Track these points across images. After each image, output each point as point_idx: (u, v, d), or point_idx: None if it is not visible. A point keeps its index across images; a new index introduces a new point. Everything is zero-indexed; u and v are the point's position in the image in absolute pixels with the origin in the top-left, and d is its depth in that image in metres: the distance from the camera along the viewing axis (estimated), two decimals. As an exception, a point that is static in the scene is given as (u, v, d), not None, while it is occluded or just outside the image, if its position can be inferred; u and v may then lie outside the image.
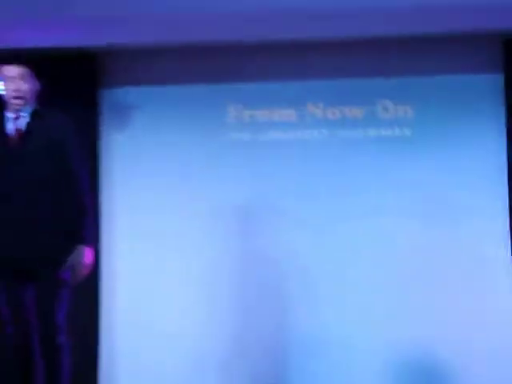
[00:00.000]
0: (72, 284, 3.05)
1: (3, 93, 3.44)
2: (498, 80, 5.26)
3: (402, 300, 5.22)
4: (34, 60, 3.50)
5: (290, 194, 5.38)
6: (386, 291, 5.23)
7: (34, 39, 4.94)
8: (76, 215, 3.10)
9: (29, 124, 3.34)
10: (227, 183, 5.40)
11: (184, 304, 5.36)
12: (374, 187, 5.33)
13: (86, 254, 3.04)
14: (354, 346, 5.20)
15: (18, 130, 3.32)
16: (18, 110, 3.38)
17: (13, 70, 3.34)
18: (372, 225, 5.27)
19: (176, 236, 5.40)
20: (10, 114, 3.40)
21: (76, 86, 5.32)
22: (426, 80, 5.39)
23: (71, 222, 3.08)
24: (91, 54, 5.38)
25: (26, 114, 3.39)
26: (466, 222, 5.25)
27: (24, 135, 3.30)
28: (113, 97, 5.57)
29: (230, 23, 4.94)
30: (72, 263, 3.02)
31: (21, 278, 3.08)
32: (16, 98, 3.33)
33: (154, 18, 4.84)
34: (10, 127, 3.35)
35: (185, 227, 5.39)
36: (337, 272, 5.28)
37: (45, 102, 3.58)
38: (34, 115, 3.38)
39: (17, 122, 3.37)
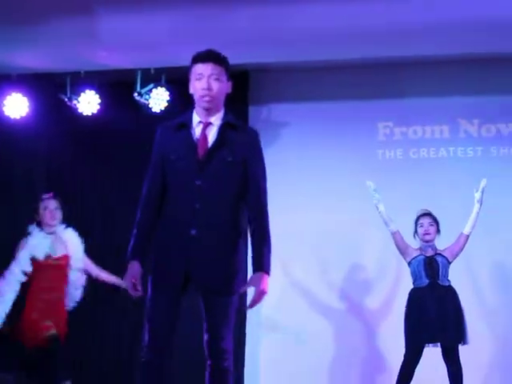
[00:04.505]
0: (248, 308, 2.92)
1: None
2: None
3: None
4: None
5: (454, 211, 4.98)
6: None
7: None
8: (257, 240, 2.86)
9: (219, 136, 2.90)
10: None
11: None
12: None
13: (264, 281, 2.92)
14: None
15: (204, 139, 2.90)
16: (207, 115, 2.92)
17: (203, 68, 2.87)
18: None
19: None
20: (197, 118, 2.94)
21: (227, 102, 5.33)
22: None
23: (252, 246, 2.93)
24: (244, 71, 5.43)
25: (217, 122, 2.93)
26: None
27: (212, 148, 2.89)
28: (262, 113, 5.58)
29: (380, 39, 4.86)
30: (250, 287, 2.89)
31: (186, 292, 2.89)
32: (204, 97, 2.87)
33: (303, 36, 4.82)
34: (196, 133, 2.92)
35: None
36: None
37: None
38: (225, 126, 2.92)
39: (206, 129, 2.93)
